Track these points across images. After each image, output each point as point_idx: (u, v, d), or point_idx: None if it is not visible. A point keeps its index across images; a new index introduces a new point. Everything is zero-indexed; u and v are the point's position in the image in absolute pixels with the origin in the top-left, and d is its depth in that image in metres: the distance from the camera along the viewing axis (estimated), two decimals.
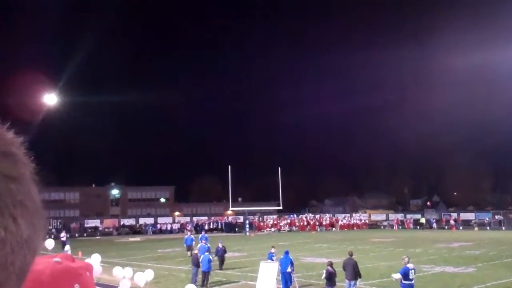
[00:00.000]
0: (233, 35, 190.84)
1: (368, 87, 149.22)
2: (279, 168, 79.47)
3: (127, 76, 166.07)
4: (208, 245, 30.87)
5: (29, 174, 0.60)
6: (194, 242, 38.05)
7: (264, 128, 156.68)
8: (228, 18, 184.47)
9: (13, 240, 0.52)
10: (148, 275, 21.74)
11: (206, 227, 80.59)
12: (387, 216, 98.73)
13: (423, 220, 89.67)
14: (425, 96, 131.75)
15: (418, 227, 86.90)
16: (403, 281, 20.91)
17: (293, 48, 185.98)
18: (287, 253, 25.44)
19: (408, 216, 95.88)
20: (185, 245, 40.06)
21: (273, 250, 28.26)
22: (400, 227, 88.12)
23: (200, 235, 41.19)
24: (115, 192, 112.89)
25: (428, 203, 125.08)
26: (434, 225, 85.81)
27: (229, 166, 76.79)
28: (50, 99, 45.44)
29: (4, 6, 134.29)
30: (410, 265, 21.24)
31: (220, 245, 32.26)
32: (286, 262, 24.46)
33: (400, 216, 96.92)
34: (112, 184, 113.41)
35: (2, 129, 0.63)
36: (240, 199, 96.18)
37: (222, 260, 32.01)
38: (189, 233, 42.03)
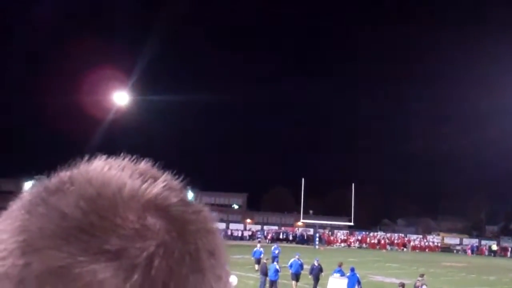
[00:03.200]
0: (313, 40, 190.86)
1: (453, 108, 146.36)
2: (353, 184, 79.09)
3: (213, 77, 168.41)
4: (300, 260, 30.25)
5: (224, 249, 0.64)
6: (262, 255, 36.89)
7: (341, 142, 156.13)
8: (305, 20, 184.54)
9: None
10: (232, 279, 22.33)
11: (269, 236, 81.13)
12: (461, 240, 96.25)
13: (495, 247, 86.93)
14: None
15: (492, 254, 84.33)
16: None
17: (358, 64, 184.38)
18: (352, 270, 25.47)
19: (483, 242, 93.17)
20: (253, 258, 38.71)
21: (341, 267, 28.31)
22: (474, 253, 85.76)
23: (273, 246, 40.99)
24: (189, 196, 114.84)
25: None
26: (509, 254, 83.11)
27: (303, 178, 77.07)
28: (121, 97, 46.30)
29: (77, 5, 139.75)
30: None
31: (316, 263, 29.83)
32: (353, 280, 24.51)
33: (474, 241, 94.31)
34: (187, 187, 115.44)
35: (203, 206, 0.66)
36: (311, 211, 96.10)
37: (317, 279, 29.32)
38: (258, 245, 41.23)
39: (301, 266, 29.63)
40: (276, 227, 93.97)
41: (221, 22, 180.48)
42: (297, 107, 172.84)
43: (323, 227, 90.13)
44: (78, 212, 0.56)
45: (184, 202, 0.63)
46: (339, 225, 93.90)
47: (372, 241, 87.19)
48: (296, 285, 29.35)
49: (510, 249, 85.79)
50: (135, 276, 0.53)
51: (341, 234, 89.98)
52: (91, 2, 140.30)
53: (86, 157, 0.67)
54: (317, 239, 78.73)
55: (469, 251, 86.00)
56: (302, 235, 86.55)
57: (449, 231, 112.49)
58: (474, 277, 42.51)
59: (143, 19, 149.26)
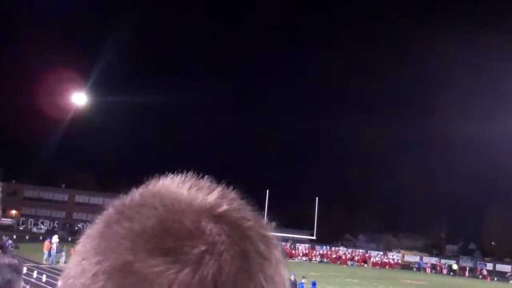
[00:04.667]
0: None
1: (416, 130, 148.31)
2: (317, 198, 79.41)
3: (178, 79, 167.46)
4: None
5: (279, 254, 0.70)
6: None
7: (305, 155, 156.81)
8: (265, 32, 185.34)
9: None
10: None
11: None
12: (421, 258, 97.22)
13: (455, 267, 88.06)
14: (476, 139, 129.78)
15: (451, 273, 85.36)
16: None
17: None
18: (314, 284, 25.50)
19: (443, 261, 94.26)
20: None
21: (303, 281, 28.31)
22: (433, 271, 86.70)
23: None
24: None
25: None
26: (467, 273, 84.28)
27: (267, 190, 77.06)
28: (79, 98, 45.75)
29: (35, 6, 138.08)
30: None
31: (292, 278, 27.38)
32: None
33: (434, 260, 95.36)
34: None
35: (257, 214, 0.72)
36: (273, 224, 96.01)
37: None
38: None
39: None
40: None
41: (180, 23, 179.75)
42: (261, 118, 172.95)
43: (285, 240, 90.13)
44: (156, 226, 0.63)
45: (237, 209, 0.68)
46: (301, 238, 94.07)
47: (333, 256, 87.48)
48: None
49: (468, 269, 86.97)
50: (186, 270, 0.59)
51: (303, 248, 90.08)
52: (49, 2, 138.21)
53: (154, 177, 0.73)
54: None
55: (428, 270, 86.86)
56: None
57: (410, 248, 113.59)
58: None
59: (102, 21, 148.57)
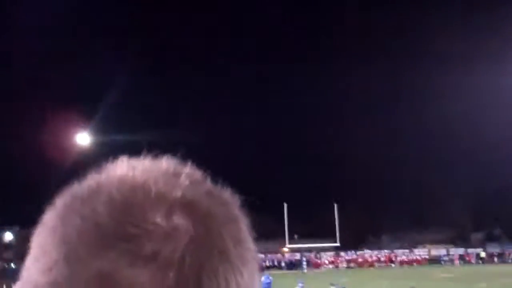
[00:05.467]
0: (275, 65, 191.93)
1: (426, 119, 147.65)
2: (335, 205, 78.89)
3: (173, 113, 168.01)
4: None
5: (247, 231, 0.71)
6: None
7: (319, 163, 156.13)
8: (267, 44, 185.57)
9: None
10: None
11: (263, 264, 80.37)
12: (448, 250, 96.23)
13: (483, 254, 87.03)
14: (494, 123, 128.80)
15: (480, 261, 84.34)
16: None
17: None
18: None
19: (470, 250, 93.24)
20: None
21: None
22: (462, 262, 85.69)
23: (263, 277, 39.64)
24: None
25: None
26: (496, 259, 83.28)
27: (285, 204, 76.68)
28: (83, 138, 45.56)
29: (34, 43, 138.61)
30: None
31: None
32: None
33: (461, 250, 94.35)
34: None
35: (226, 193, 0.72)
36: (296, 236, 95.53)
37: None
38: None
39: None
40: (262, 255, 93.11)
41: (186, 60, 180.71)
42: (273, 130, 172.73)
43: (309, 250, 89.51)
44: (111, 221, 0.61)
45: (208, 194, 0.68)
46: (324, 246, 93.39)
47: (360, 260, 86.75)
48: None
49: (497, 255, 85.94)
50: (171, 276, 0.58)
51: (327, 256, 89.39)
52: (51, 41, 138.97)
53: (111, 160, 0.71)
54: (304, 263, 78.08)
55: (456, 261, 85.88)
56: (290, 261, 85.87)
57: (435, 242, 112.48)
58: (465, 286, 42.24)
59: (106, 58, 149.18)
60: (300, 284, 28.50)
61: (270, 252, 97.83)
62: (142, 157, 0.73)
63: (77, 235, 0.61)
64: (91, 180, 0.69)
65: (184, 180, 0.67)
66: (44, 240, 0.65)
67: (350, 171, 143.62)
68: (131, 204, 0.63)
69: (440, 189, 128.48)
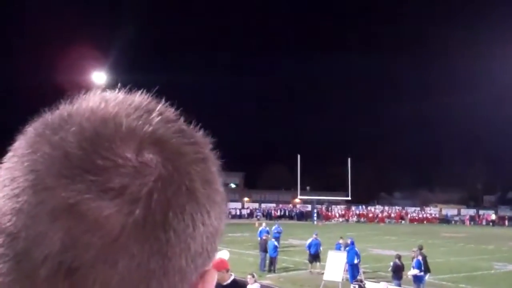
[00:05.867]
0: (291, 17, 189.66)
1: (445, 82, 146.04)
2: (349, 159, 79.00)
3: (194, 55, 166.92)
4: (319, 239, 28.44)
5: (218, 173, 0.70)
6: (268, 235, 32.04)
7: (335, 117, 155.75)
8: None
9: (207, 231, 0.65)
10: (224, 255, 22.18)
11: (273, 214, 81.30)
12: (459, 211, 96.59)
13: (493, 217, 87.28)
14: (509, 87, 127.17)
15: (491, 223, 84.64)
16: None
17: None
18: (352, 243, 25.31)
19: (481, 212, 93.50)
20: (259, 238, 32.89)
21: (341, 241, 28.18)
22: (472, 223, 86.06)
23: (274, 226, 38.94)
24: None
25: None
26: (507, 223, 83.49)
27: (298, 155, 76.92)
28: (99, 77, 45.59)
29: None
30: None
31: (349, 241, 26.37)
32: (352, 253, 24.32)
33: (472, 212, 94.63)
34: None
35: (198, 133, 0.72)
36: (308, 187, 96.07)
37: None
38: (263, 224, 37.32)
39: (320, 245, 27.88)
40: (273, 205, 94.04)
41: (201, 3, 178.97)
42: (288, 85, 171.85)
43: (320, 202, 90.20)
44: (80, 152, 0.60)
45: (179, 133, 0.67)
46: (336, 200, 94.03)
47: (370, 215, 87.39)
48: (318, 267, 26.74)
49: (507, 218, 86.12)
50: (137, 211, 0.59)
51: (338, 209, 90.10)
52: None
53: (83, 92, 0.70)
54: (315, 215, 78.84)
55: (467, 222, 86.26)
56: (301, 212, 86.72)
57: (447, 202, 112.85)
58: (473, 247, 42.59)
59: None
60: (315, 235, 28.68)
61: (282, 202, 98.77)
62: (116, 91, 0.72)
63: (45, 164, 0.61)
64: (63, 109, 0.68)
65: (156, 117, 0.67)
66: (13, 166, 0.64)
67: (366, 127, 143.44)
68: (101, 136, 0.62)
69: (454, 150, 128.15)
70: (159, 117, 0.67)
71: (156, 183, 0.61)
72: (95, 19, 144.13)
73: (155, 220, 0.59)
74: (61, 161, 0.60)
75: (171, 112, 0.71)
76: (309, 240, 28.36)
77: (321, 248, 27.67)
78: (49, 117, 0.68)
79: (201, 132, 0.72)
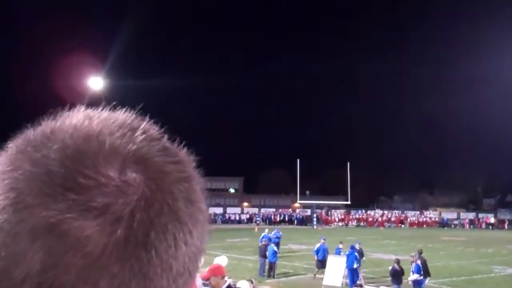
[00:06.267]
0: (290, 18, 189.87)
1: (443, 86, 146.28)
2: (348, 163, 79.03)
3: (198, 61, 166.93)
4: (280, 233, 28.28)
5: (201, 191, 0.70)
6: (271, 242, 30.34)
7: (334, 121, 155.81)
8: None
9: (189, 251, 0.64)
10: (222, 260, 22.15)
11: (273, 219, 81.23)
12: (458, 214, 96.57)
13: (492, 220, 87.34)
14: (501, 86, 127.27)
15: (490, 227, 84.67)
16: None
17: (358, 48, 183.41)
18: (352, 247, 25.32)
19: (480, 215, 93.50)
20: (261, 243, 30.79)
21: (340, 246, 28.17)
22: (471, 226, 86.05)
23: (273, 231, 38.31)
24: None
25: None
26: (506, 226, 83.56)
27: (298, 159, 76.98)
28: (96, 82, 45.25)
29: None
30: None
31: (357, 246, 26.76)
32: (352, 257, 24.34)
33: (472, 215, 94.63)
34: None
35: (181, 152, 0.71)
36: (307, 192, 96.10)
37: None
38: (266, 230, 34.81)
39: (327, 251, 27.53)
40: (273, 210, 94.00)
41: (197, 6, 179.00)
42: (286, 88, 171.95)
43: (320, 207, 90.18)
44: (63, 170, 0.59)
45: (163, 151, 0.67)
46: (336, 204, 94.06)
47: (370, 219, 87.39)
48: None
49: (507, 221, 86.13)
50: (119, 231, 0.58)
51: (338, 214, 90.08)
52: None
53: (66, 108, 0.69)
54: (314, 219, 78.83)
55: (466, 225, 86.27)
56: (301, 217, 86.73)
57: (446, 205, 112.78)
58: (473, 250, 42.57)
59: (120, 2, 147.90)
60: (322, 240, 28.53)
61: (282, 207, 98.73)
62: (99, 108, 0.70)
63: (26, 182, 0.60)
64: (46, 126, 0.67)
65: (139, 135, 0.66)
66: None
67: (365, 131, 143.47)
68: (84, 154, 0.61)
69: (454, 153, 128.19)
70: (143, 136, 0.66)
71: (139, 203, 0.60)
72: (92, 24, 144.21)
73: (137, 240, 0.59)
74: (42, 179, 0.59)
75: (155, 130, 0.70)
76: (317, 246, 28.19)
77: (328, 254, 27.37)
78: (32, 133, 0.67)
79: (184, 150, 0.72)
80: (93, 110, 0.69)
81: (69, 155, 0.61)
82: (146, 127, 0.69)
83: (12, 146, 0.66)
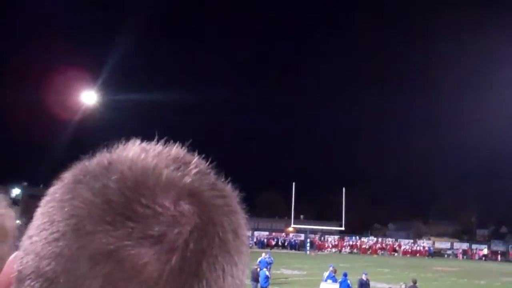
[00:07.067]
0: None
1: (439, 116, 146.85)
2: (343, 189, 78.92)
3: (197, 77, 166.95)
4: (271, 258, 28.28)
5: (245, 225, 0.74)
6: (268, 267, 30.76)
7: (331, 147, 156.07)
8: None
9: (234, 283, 0.66)
10: None
11: (268, 242, 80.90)
12: (452, 244, 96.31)
13: (486, 251, 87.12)
14: (500, 120, 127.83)
15: (483, 258, 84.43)
16: None
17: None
18: (345, 275, 25.24)
19: (474, 246, 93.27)
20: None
21: (331, 269, 28.03)
22: (465, 257, 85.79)
23: (265, 255, 37.77)
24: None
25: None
26: (499, 257, 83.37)
27: (293, 183, 76.83)
28: (89, 97, 45.12)
29: (45, 3, 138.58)
30: None
31: (364, 277, 27.69)
32: (344, 285, 24.24)
33: (465, 245, 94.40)
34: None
35: (229, 188, 0.74)
36: (302, 216, 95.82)
37: None
38: (263, 254, 34.62)
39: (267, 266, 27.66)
40: (266, 233, 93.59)
41: (190, 22, 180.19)
42: (285, 111, 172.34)
43: (314, 232, 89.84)
44: (122, 199, 0.62)
45: (213, 186, 0.70)
46: (330, 230, 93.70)
47: (363, 246, 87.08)
48: None
49: (500, 253, 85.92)
50: (174, 259, 0.61)
51: (332, 239, 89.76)
52: (59, 1, 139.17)
53: (122, 141, 0.72)
54: (308, 244, 78.46)
55: (459, 255, 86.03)
56: (295, 241, 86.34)
57: (440, 235, 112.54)
58: (465, 282, 42.37)
59: (112, 19, 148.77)
60: (331, 267, 28.17)
61: (275, 231, 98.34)
62: (153, 142, 0.73)
63: (87, 209, 0.63)
64: (102, 157, 0.71)
65: (192, 169, 0.69)
66: (52, 211, 0.66)
67: (362, 158, 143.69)
68: (142, 185, 0.64)
69: (449, 184, 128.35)
70: (196, 170, 0.69)
71: (192, 233, 0.62)
72: (85, 39, 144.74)
73: (190, 269, 0.61)
74: (102, 207, 0.62)
75: (204, 165, 0.74)
76: (326, 274, 27.91)
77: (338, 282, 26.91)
78: (88, 164, 0.70)
79: (229, 186, 0.74)
80: (147, 144, 0.72)
81: (128, 185, 0.64)
82: (198, 161, 0.72)
83: (69, 176, 0.69)
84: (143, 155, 0.69)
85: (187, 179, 0.67)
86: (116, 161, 0.68)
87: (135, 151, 0.70)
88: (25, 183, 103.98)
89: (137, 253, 0.60)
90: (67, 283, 0.60)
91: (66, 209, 0.64)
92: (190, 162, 0.71)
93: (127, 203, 0.62)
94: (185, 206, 0.64)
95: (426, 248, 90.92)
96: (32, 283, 0.63)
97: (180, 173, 0.67)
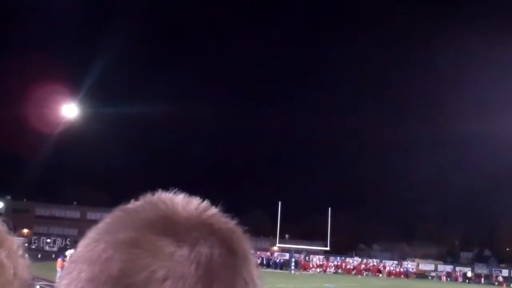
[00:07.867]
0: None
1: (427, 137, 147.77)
2: (329, 209, 78.98)
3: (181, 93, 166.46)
4: None
5: (257, 271, 0.80)
6: None
7: (317, 167, 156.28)
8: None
9: None
10: None
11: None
12: (436, 266, 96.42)
13: (469, 274, 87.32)
14: (484, 145, 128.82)
15: (467, 280, 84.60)
16: None
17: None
18: None
19: (458, 268, 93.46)
20: None
21: None
22: (448, 279, 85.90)
23: None
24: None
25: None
26: (482, 280, 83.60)
27: (279, 202, 76.79)
28: (70, 110, 44.84)
29: (25, 17, 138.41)
30: None
31: None
32: None
33: (449, 268, 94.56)
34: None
35: (239, 229, 0.84)
36: (287, 235, 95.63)
37: None
38: None
39: None
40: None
41: (171, 36, 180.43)
42: (271, 129, 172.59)
43: (298, 251, 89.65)
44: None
45: (234, 233, 0.79)
46: (315, 249, 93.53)
47: (348, 267, 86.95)
48: None
49: (483, 276, 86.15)
50: (185, 247, 0.69)
51: (316, 259, 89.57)
52: (40, 15, 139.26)
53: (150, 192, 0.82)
54: (293, 264, 78.24)
55: (443, 278, 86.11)
56: (279, 260, 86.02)
57: (424, 257, 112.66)
58: None
59: (93, 33, 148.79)
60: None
61: (260, 250, 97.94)
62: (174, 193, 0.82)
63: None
64: (138, 200, 0.81)
65: (218, 218, 0.79)
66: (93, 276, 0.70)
67: (348, 179, 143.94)
68: (174, 210, 0.76)
69: (434, 206, 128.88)
70: (221, 219, 0.80)
71: (202, 236, 0.71)
72: (66, 53, 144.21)
73: (199, 260, 0.68)
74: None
75: (225, 215, 0.83)
76: None
77: None
78: (127, 206, 0.80)
79: (244, 233, 0.83)
80: (171, 195, 0.81)
81: (162, 209, 0.75)
82: (218, 211, 0.82)
83: (114, 212, 0.81)
84: (176, 197, 0.81)
85: (212, 219, 0.78)
86: (152, 199, 0.80)
87: (168, 195, 0.82)
88: (8, 197, 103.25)
89: (177, 252, 0.68)
90: None
91: (110, 226, 0.79)
92: (213, 212, 0.81)
93: (165, 221, 0.74)
94: (214, 251, 0.71)
95: (412, 270, 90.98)
96: None
97: (206, 214, 0.79)
